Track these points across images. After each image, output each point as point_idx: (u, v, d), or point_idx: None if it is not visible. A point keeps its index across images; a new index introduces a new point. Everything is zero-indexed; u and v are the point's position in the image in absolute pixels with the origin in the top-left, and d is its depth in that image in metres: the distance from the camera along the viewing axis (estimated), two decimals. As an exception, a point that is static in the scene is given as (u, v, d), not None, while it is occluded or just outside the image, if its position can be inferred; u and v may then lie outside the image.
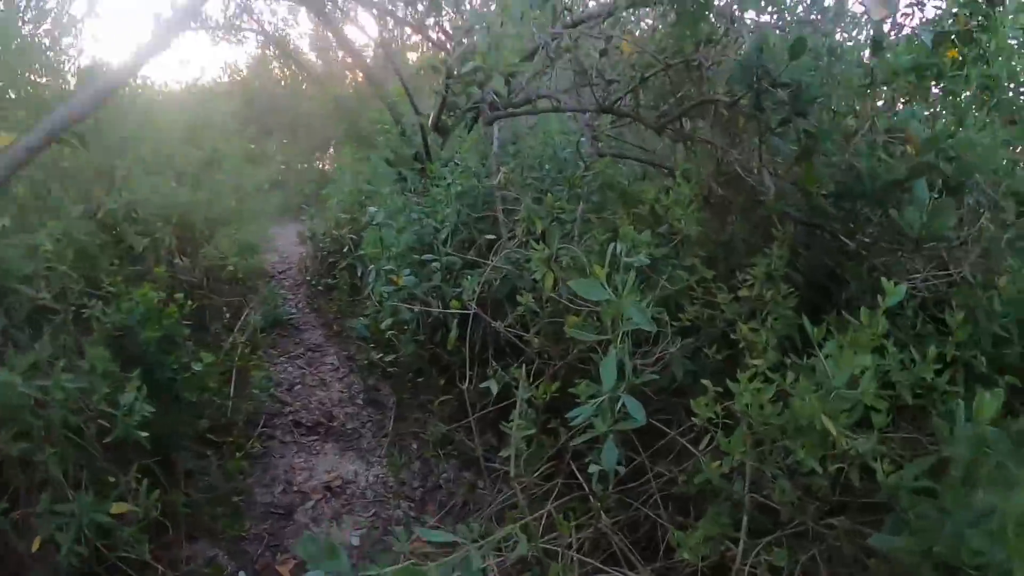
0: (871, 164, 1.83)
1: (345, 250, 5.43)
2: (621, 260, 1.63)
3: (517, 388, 2.41)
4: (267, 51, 11.39)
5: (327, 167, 11.06)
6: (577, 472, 2.28)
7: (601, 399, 1.58)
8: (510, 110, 3.44)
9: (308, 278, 6.31)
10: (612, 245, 1.68)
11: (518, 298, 2.61)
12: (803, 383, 1.42)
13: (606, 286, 1.56)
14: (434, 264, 3.23)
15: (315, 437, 4.11)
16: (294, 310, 5.82)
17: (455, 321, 2.91)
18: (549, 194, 2.73)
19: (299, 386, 4.71)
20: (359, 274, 4.53)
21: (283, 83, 12.21)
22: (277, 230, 7.18)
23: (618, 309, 1.55)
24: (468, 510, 3.29)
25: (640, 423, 1.55)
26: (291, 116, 11.25)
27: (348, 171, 6.36)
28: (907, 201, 1.76)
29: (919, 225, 1.68)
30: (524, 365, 2.42)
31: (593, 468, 1.70)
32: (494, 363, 2.67)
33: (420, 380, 3.61)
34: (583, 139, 3.05)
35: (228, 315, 4.70)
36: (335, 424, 4.25)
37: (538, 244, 2.47)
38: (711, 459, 1.75)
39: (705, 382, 1.74)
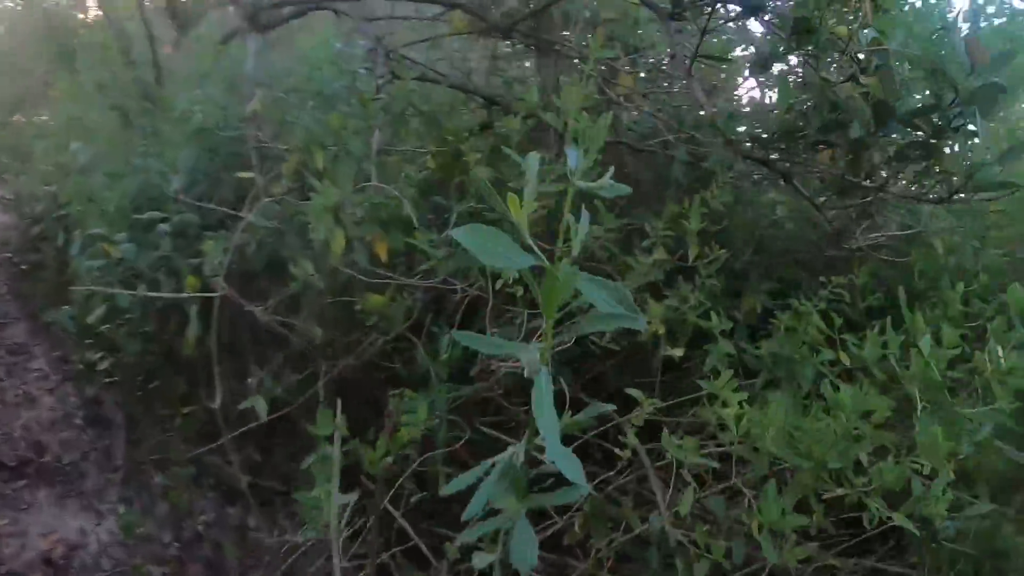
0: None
1: (55, 215, 4.04)
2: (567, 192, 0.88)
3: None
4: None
5: (44, 117, 8.66)
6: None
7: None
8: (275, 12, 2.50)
9: (10, 255, 4.72)
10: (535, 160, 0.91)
11: (291, 269, 1.78)
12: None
13: (531, 242, 0.82)
14: (162, 225, 2.23)
15: (22, 482, 2.93)
16: (-13, 299, 4.28)
17: (194, 307, 1.98)
18: (334, 114, 1.88)
19: (-7, 406, 3.40)
20: (63, 243, 3.25)
21: None
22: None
23: (564, 285, 0.81)
24: (247, 566, 2.41)
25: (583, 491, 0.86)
26: None
27: (64, 111, 4.75)
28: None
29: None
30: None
31: (479, 562, 0.98)
32: (255, 367, 1.81)
33: (153, 387, 2.59)
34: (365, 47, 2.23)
35: None
36: (48, 459, 3.06)
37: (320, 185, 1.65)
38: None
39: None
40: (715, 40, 2.15)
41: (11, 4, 8.54)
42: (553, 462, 0.81)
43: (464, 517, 0.92)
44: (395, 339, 1.77)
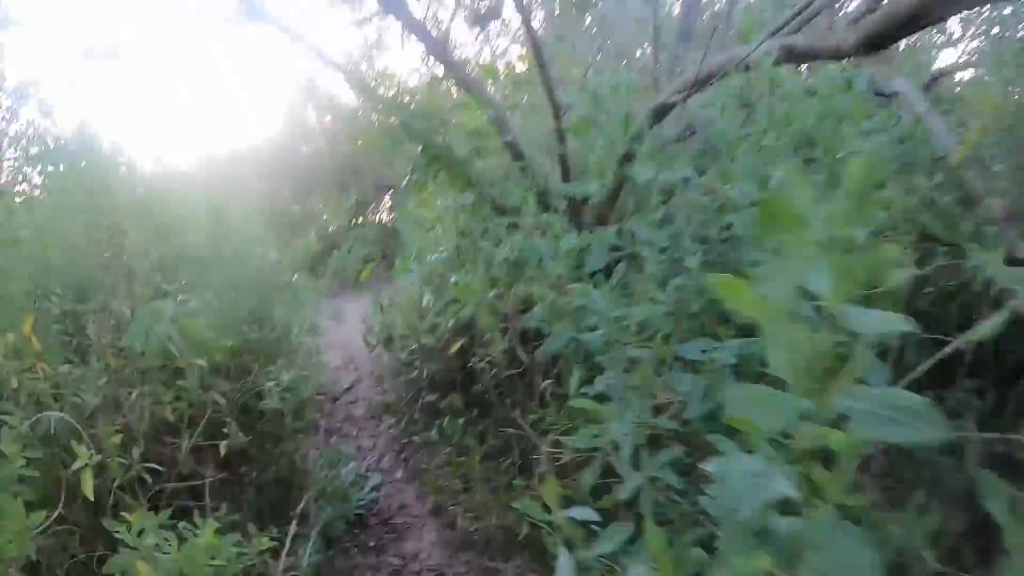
0: None
1: (460, 359, 3.35)
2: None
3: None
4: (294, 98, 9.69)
5: (386, 219, 9.04)
6: None
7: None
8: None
9: (395, 418, 4.15)
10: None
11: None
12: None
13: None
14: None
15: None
16: (373, 477, 3.63)
17: None
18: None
19: None
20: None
21: (318, 130, 10.22)
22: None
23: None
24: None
25: None
26: (334, 165, 9.28)
27: (423, 220, 3.88)
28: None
29: None
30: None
31: None
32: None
33: None
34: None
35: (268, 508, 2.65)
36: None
37: None
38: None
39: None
40: None
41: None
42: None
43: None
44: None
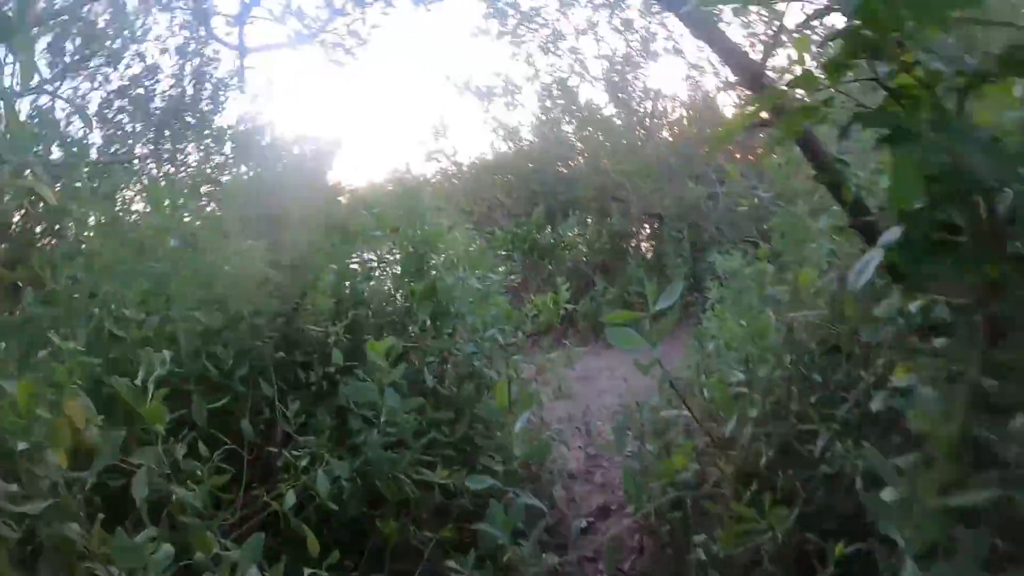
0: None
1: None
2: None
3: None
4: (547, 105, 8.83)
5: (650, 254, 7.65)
6: None
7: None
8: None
9: None
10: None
11: None
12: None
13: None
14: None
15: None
16: None
17: None
18: None
19: None
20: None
21: (572, 144, 9.07)
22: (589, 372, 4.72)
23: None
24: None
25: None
26: (593, 186, 7.89)
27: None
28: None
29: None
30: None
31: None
32: None
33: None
34: None
35: None
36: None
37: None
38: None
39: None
40: None
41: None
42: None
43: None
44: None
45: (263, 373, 2.21)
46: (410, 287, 2.66)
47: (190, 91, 5.05)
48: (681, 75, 9.02)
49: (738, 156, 7.58)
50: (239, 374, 2.15)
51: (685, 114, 8.97)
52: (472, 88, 8.98)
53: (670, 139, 8.62)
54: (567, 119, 9.22)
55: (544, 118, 9.14)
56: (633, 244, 7.77)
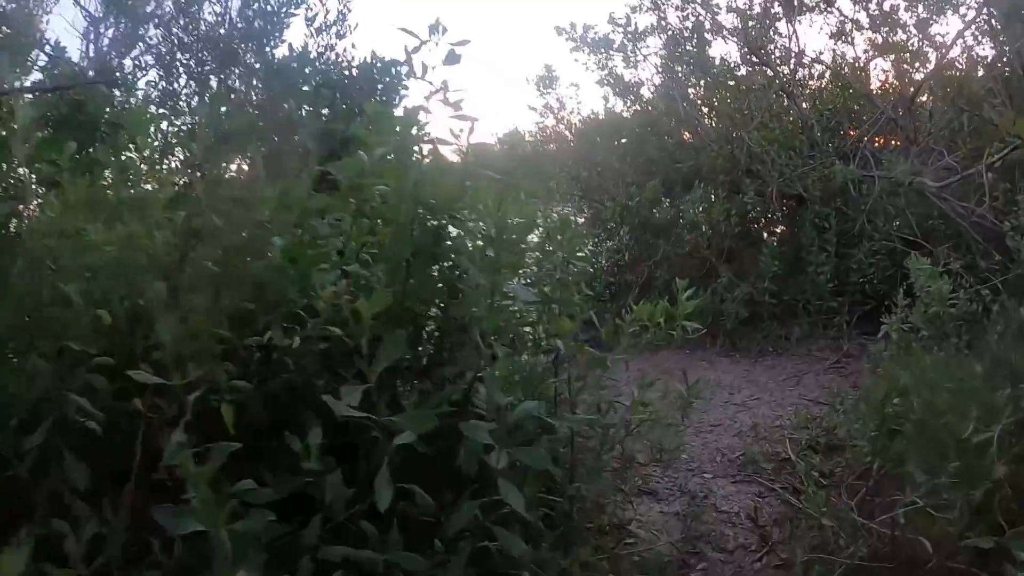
0: None
1: None
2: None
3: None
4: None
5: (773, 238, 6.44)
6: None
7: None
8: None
9: None
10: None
11: None
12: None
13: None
14: None
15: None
16: None
17: None
18: None
19: None
20: None
21: (700, 107, 7.97)
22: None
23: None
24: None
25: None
26: (725, 158, 6.47)
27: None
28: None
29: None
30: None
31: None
32: None
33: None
34: None
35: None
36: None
37: None
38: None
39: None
40: None
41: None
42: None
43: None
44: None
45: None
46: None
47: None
48: (827, 34, 7.54)
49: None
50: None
51: (830, 81, 7.70)
52: (588, 39, 8.04)
53: (812, 108, 7.39)
54: (695, 79, 8.02)
55: (669, 76, 7.98)
56: (767, 230, 6.59)
